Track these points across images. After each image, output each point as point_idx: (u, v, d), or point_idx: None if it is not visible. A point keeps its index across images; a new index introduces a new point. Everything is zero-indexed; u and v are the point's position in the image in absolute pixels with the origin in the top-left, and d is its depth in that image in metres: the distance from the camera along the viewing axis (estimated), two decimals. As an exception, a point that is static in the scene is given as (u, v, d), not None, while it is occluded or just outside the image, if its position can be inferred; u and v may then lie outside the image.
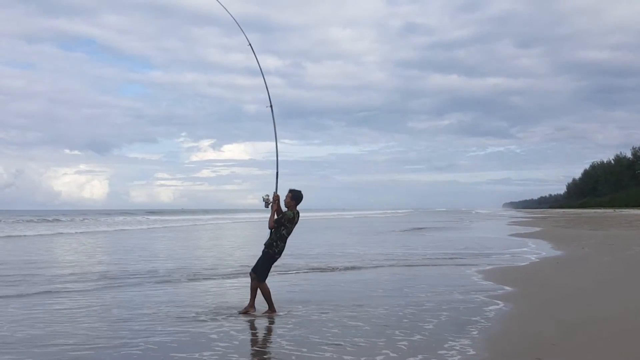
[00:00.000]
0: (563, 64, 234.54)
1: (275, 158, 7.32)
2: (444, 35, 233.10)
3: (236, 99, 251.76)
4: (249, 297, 7.11)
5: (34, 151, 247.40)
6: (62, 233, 28.18)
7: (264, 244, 7.03)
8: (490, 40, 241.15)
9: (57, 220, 44.55)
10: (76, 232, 28.97)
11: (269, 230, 7.10)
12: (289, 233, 7.00)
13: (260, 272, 6.96)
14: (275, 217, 6.97)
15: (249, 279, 7.24)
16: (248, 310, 7.03)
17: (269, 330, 6.45)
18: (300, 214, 7.12)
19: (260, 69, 7.91)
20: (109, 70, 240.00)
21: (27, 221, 40.36)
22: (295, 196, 7.07)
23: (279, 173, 7.21)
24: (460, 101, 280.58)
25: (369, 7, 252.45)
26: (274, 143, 7.43)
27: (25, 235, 25.72)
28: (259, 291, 7.06)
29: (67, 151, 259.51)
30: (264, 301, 7.09)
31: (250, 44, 7.94)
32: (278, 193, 7.04)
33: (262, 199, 6.96)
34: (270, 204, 6.95)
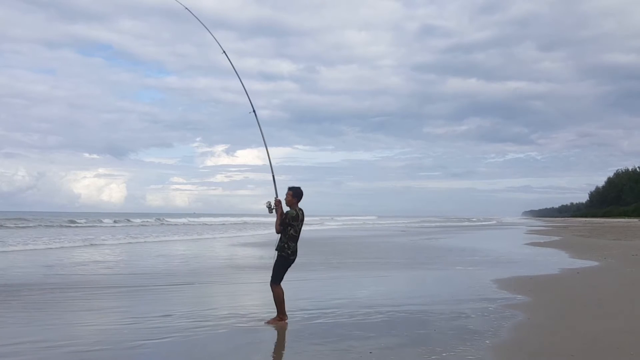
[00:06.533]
0: (587, 67, 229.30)
1: (269, 162, 7.29)
2: (462, 37, 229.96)
3: (250, 105, 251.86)
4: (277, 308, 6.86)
5: (55, 155, 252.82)
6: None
7: (276, 249, 6.87)
8: (511, 43, 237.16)
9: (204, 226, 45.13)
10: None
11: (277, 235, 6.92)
12: (297, 232, 6.83)
13: (274, 274, 6.77)
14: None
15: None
16: (282, 320, 6.80)
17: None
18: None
19: (239, 76, 7.89)
20: (126, 76, 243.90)
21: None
22: (295, 193, 6.88)
23: (275, 178, 7.10)
24: (479, 106, 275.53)
25: (385, 10, 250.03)
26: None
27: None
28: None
29: (86, 155, 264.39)
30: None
31: (224, 51, 7.95)
32: (279, 197, 6.91)
33: (265, 207, 6.88)
34: (274, 209, 6.85)
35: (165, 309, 7.64)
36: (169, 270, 12.73)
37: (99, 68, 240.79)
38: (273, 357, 5.48)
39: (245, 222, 56.60)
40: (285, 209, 6.85)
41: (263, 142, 7.40)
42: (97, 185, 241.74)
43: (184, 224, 49.75)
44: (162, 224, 48.64)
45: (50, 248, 18.93)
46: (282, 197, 6.89)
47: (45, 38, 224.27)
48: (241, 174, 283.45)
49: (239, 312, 7.42)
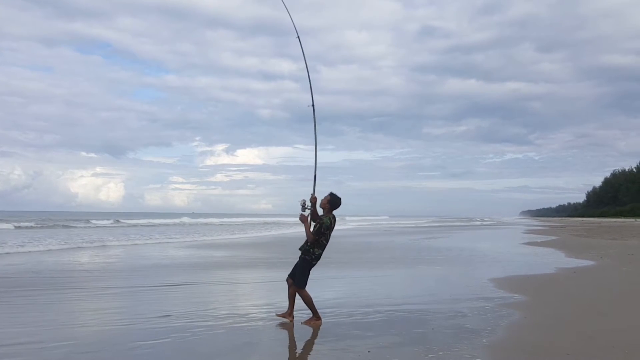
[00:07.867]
0: (585, 69, 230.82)
1: (314, 159, 7.05)
2: (462, 38, 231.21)
3: (250, 104, 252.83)
4: (288, 304, 6.89)
5: (52, 153, 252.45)
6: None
7: (300, 249, 6.80)
8: (510, 44, 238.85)
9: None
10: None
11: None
12: (327, 240, 6.74)
13: (298, 279, 6.72)
14: (312, 226, 6.65)
15: None
16: (285, 317, 6.82)
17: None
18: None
19: (306, 65, 7.52)
20: (124, 74, 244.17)
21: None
22: (333, 201, 6.75)
23: (317, 175, 6.82)
24: (478, 107, 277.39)
25: (385, 10, 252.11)
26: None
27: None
28: (298, 299, 6.83)
29: (83, 154, 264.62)
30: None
31: (298, 36, 7.55)
32: (315, 195, 6.71)
33: (300, 204, 6.65)
34: (308, 208, 6.63)
35: (164, 309, 7.66)
36: (168, 270, 12.74)
37: (97, 66, 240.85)
38: (271, 357, 5.50)
39: (265, 222, 57.07)
40: (319, 211, 6.72)
41: (314, 138, 7.14)
42: (94, 184, 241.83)
43: (210, 224, 50.16)
44: (184, 224, 48.95)
45: (51, 250, 18.90)
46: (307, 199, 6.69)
47: (43, 35, 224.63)
48: (241, 174, 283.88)
49: (237, 312, 7.45)
